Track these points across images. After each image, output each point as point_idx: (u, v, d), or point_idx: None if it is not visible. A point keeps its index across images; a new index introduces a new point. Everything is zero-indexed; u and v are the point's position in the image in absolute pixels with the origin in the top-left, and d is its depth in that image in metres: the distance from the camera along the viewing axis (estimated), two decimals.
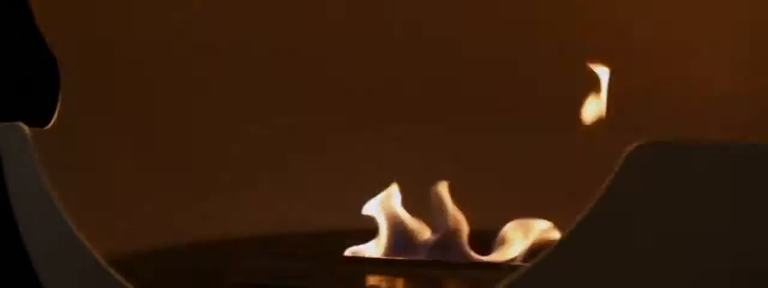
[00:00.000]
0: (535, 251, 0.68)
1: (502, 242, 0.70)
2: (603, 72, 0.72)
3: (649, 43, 0.81)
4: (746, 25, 0.78)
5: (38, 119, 0.68)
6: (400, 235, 0.69)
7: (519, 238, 0.70)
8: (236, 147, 0.80)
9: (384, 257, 0.69)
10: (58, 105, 0.71)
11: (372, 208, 0.71)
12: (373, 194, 0.71)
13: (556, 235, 0.69)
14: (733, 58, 0.79)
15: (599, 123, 0.71)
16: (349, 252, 0.69)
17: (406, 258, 0.68)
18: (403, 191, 0.71)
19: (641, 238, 0.49)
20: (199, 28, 0.78)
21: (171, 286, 0.66)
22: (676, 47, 0.80)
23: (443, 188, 0.70)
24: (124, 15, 0.76)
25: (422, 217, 0.70)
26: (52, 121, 0.71)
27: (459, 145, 0.82)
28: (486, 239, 0.69)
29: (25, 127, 0.60)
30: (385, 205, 0.70)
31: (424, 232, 0.70)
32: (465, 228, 0.69)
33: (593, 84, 0.71)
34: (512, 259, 0.68)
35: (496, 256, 0.69)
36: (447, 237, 0.68)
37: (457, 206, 0.69)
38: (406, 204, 0.70)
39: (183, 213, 0.77)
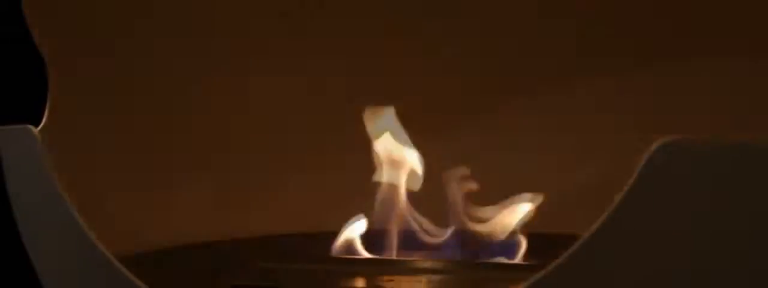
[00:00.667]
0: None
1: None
2: None
3: None
4: None
5: (28, 120, 0.68)
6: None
7: None
8: (236, 147, 0.80)
9: (384, 258, 0.69)
10: (48, 105, 0.71)
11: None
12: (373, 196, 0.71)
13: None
14: None
15: None
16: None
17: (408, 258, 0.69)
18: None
19: (666, 237, 0.50)
20: (198, 26, 0.78)
21: (171, 286, 0.66)
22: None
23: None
24: (121, 13, 0.75)
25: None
26: (43, 122, 0.70)
27: (460, 148, 0.83)
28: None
29: (34, 130, 0.59)
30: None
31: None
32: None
33: None
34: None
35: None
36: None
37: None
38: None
39: (183, 213, 0.77)
